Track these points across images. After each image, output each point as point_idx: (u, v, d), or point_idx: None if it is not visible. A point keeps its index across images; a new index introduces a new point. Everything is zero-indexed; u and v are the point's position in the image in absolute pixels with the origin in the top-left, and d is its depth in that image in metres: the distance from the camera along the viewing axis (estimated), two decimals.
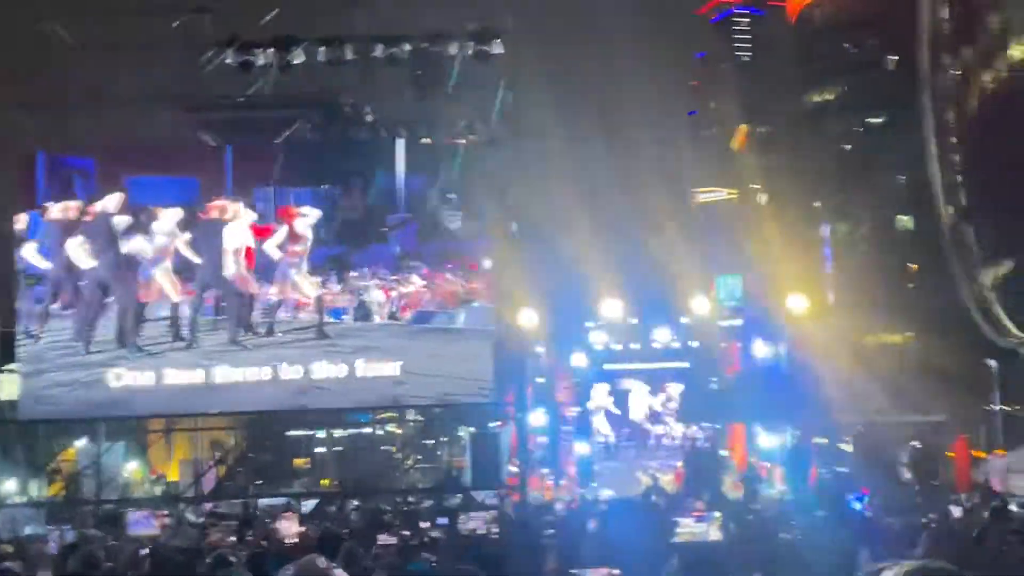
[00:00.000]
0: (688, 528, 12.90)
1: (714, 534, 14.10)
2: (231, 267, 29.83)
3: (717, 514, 12.77)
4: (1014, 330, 64.97)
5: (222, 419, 36.34)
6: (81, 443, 36.88)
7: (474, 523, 16.00)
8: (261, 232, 30.56)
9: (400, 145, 31.58)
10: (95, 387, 30.13)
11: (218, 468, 37.37)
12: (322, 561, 9.60)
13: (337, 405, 33.55)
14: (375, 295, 31.18)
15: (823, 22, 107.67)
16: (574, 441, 41.67)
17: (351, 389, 31.99)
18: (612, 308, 43.35)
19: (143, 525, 20.90)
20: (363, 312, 31.04)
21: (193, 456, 36.40)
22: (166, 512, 23.54)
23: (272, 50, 30.82)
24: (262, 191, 31.50)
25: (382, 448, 43.04)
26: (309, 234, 30.59)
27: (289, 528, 15.52)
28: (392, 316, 31.11)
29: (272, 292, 30.55)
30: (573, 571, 12.20)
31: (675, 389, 41.59)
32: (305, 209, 30.66)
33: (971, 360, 59.00)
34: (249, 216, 30.34)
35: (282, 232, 30.37)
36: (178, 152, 33.33)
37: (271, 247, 30.35)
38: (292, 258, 30.36)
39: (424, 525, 19.44)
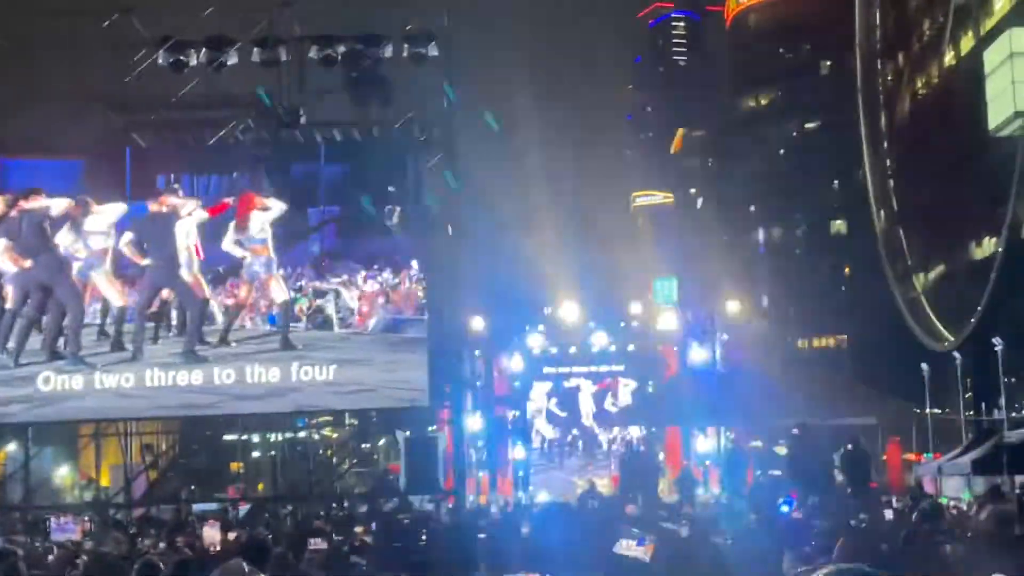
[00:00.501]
0: (624, 550, 12.82)
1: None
2: (185, 267, 28.22)
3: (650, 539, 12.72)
4: (945, 334, 65.72)
5: (154, 423, 35.94)
6: (10, 448, 36.35)
7: (406, 527, 15.89)
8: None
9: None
10: (22, 389, 29.56)
11: (149, 473, 36.89)
12: (245, 565, 9.46)
13: (272, 409, 33.23)
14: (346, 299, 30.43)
15: (758, 28, 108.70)
16: (510, 445, 41.69)
17: (286, 393, 31.78)
18: (569, 311, 43.48)
19: (66, 530, 20.52)
20: (320, 319, 30.45)
21: (124, 461, 35.88)
22: (87, 517, 23.08)
23: (205, 50, 30.51)
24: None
25: (318, 453, 42.73)
26: (268, 230, 29.11)
27: (214, 536, 15.28)
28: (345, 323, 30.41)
29: (240, 294, 29.29)
30: None
31: (626, 388, 41.79)
32: (270, 201, 29.18)
33: (904, 363, 59.66)
34: (200, 215, 28.84)
35: (234, 223, 28.90)
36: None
37: (229, 244, 28.66)
38: (259, 256, 28.71)
39: (358, 530, 19.30)
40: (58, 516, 21.42)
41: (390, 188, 31.12)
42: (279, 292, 28.65)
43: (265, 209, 28.36)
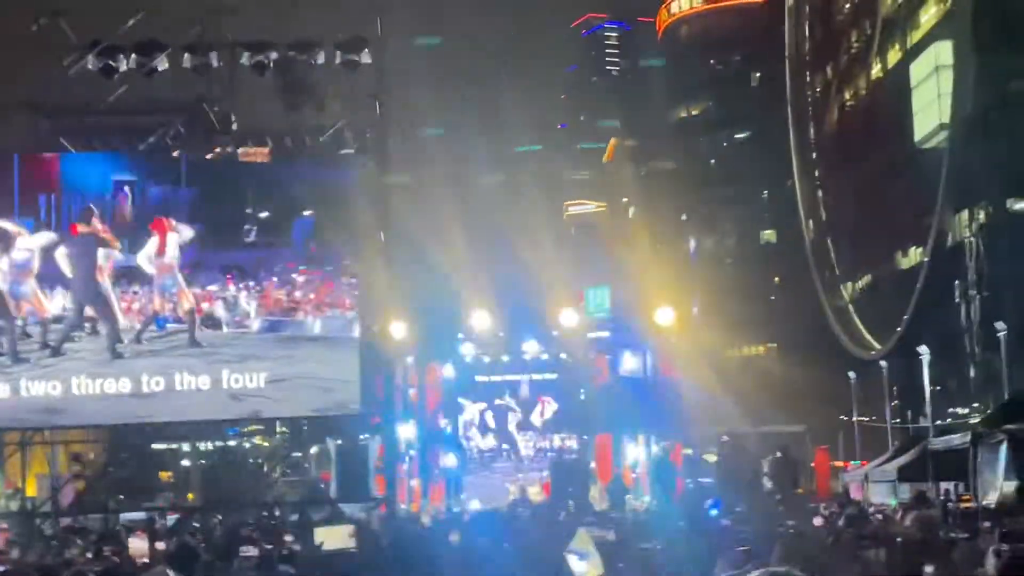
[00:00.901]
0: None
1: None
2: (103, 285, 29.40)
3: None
4: (872, 342, 66.52)
5: (82, 432, 35.50)
6: None
7: (335, 536, 15.82)
8: None
9: None
10: None
11: (77, 482, 36.45)
12: (170, 572, 9.43)
13: (202, 417, 33.02)
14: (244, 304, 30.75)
15: (690, 39, 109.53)
16: (442, 453, 41.64)
17: (216, 401, 31.62)
18: (481, 320, 43.42)
19: None
20: (212, 322, 30.60)
21: (51, 470, 35.41)
22: (4, 527, 22.76)
23: (135, 56, 30.28)
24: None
25: (249, 461, 42.41)
26: (178, 252, 30.05)
27: (141, 547, 15.15)
28: (240, 325, 30.75)
29: (154, 305, 30.05)
30: None
31: (550, 407, 41.94)
32: (182, 227, 30.09)
33: (831, 372, 60.33)
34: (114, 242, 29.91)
35: (152, 243, 29.74)
36: None
37: (143, 260, 29.76)
38: (167, 273, 29.92)
39: (288, 539, 19.21)
40: None
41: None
42: (187, 302, 29.83)
43: (177, 232, 29.56)
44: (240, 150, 32.83)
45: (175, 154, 31.98)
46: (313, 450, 42.36)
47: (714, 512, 22.59)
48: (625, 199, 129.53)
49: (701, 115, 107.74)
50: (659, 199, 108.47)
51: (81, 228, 29.43)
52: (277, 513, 30.55)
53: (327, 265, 31.43)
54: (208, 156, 32.57)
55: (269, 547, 16.63)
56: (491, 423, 43.22)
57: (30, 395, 29.43)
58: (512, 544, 13.05)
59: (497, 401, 43.68)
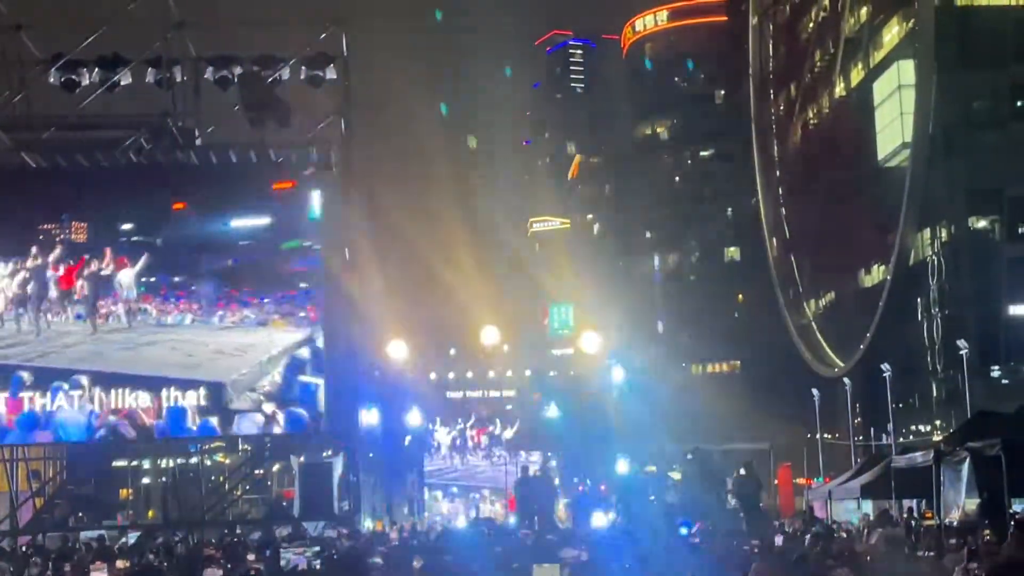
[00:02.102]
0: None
1: None
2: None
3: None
4: (835, 360, 66.76)
5: (40, 448, 35.11)
6: None
7: (296, 554, 15.64)
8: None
9: None
10: None
11: (36, 500, 36.02)
12: None
13: (161, 434, 32.77)
14: None
15: (654, 57, 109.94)
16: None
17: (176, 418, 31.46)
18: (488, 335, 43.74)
19: None
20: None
21: (9, 487, 34.96)
22: None
23: (97, 70, 30.00)
24: None
25: (211, 479, 42.08)
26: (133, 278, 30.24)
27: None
28: None
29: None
30: None
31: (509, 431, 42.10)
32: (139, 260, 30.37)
33: (795, 389, 60.48)
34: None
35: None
36: None
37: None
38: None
39: (250, 558, 19.03)
40: None
41: None
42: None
43: (134, 266, 29.78)
44: None
45: None
46: (275, 467, 42.08)
47: (684, 531, 22.55)
48: (590, 216, 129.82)
49: (665, 133, 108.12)
50: (623, 216, 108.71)
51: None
52: (239, 532, 30.25)
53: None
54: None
55: (229, 566, 16.45)
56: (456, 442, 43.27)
57: None
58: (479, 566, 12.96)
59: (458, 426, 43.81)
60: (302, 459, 33.81)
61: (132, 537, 29.38)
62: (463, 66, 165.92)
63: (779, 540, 20.24)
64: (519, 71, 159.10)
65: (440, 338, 47.27)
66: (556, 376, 45.30)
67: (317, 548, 16.86)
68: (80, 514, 35.09)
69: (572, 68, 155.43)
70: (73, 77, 29.63)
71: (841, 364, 64.31)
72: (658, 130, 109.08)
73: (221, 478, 41.10)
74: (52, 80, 29.74)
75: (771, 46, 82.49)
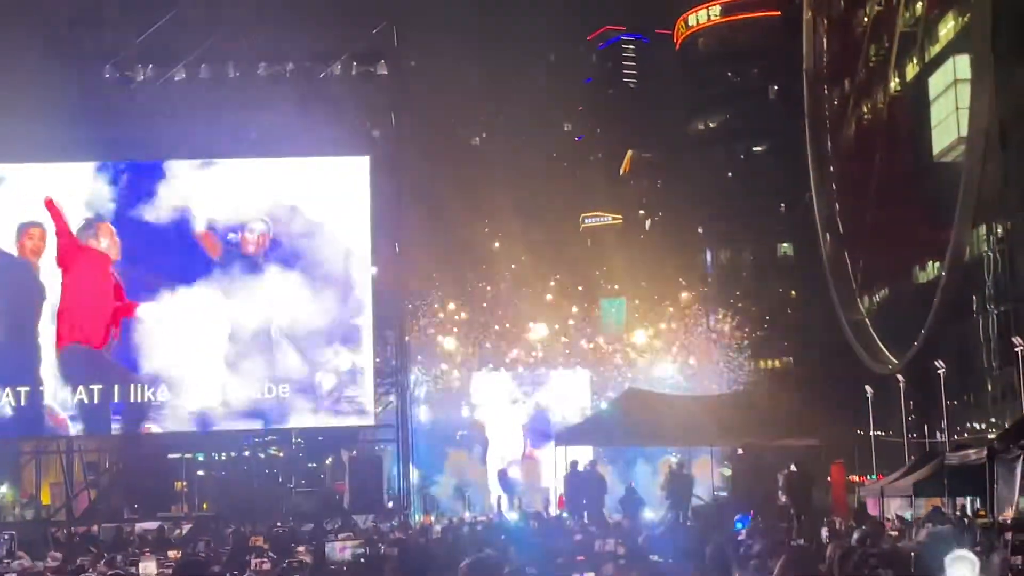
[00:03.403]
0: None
1: None
2: None
3: None
4: (889, 357, 66.25)
5: (96, 440, 35.60)
6: None
7: (346, 547, 15.77)
8: None
9: None
10: None
11: (91, 491, 36.55)
12: None
13: (218, 427, 33.19)
14: None
15: (707, 51, 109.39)
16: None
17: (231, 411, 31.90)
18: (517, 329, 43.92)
19: None
20: None
21: (64, 478, 35.51)
22: (7, 535, 22.67)
23: (152, 66, 30.40)
24: None
25: (264, 471, 42.50)
26: None
27: (150, 569, 15.10)
28: None
29: None
30: None
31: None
32: None
33: (847, 386, 60.07)
34: None
35: None
36: None
37: None
38: None
39: (299, 549, 19.20)
40: None
41: None
42: None
43: None
44: None
45: None
46: (328, 461, 42.40)
47: (740, 526, 22.52)
48: (641, 211, 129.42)
49: (718, 128, 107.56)
50: (675, 212, 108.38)
51: None
52: (291, 522, 30.53)
53: None
54: None
55: (275, 556, 16.61)
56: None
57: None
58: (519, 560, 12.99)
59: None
60: (353, 452, 34.12)
61: (186, 529, 29.69)
62: (515, 61, 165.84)
63: (823, 536, 20.19)
64: (571, 67, 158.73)
65: (489, 332, 47.32)
66: (606, 371, 45.25)
67: (361, 540, 16.95)
68: (135, 505, 35.53)
69: (624, 63, 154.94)
70: (128, 73, 30.05)
71: (895, 361, 63.78)
72: (711, 125, 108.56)
73: (274, 471, 41.50)
74: (107, 76, 30.16)
75: (825, 41, 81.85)
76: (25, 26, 31.30)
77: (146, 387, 31.68)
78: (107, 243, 31.63)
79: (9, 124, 30.33)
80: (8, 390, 31.46)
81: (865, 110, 74.31)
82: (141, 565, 15.42)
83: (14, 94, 30.42)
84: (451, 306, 48.54)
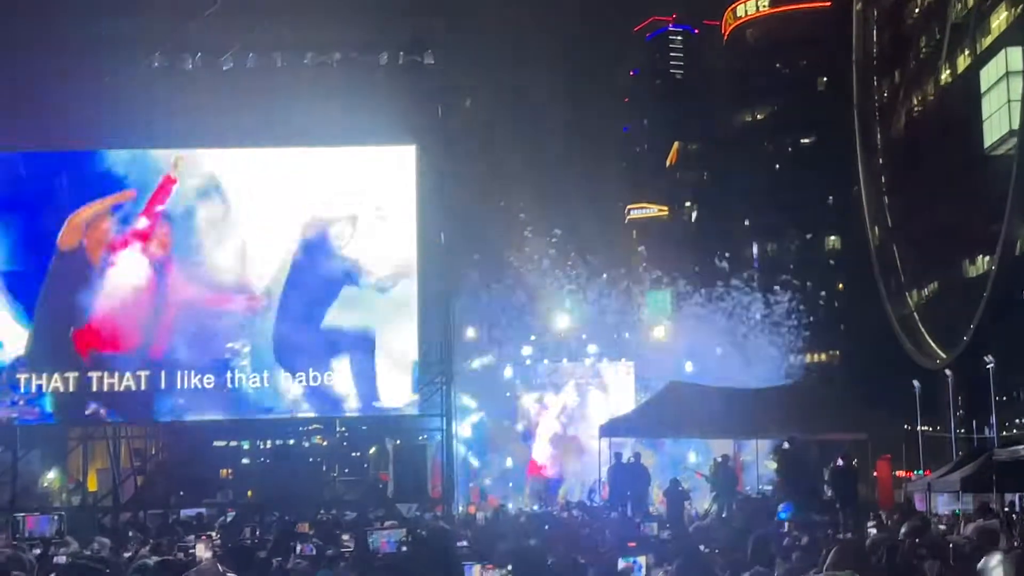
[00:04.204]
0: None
1: None
2: None
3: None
4: (938, 351, 65.75)
5: (142, 428, 35.85)
6: None
7: (390, 537, 15.77)
8: None
9: None
10: None
11: (137, 477, 36.82)
12: (220, 568, 9.45)
13: (265, 415, 33.34)
14: None
15: (755, 42, 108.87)
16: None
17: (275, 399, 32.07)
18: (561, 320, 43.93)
19: (41, 526, 20.40)
20: None
21: (111, 465, 35.80)
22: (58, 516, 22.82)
23: (200, 55, 30.56)
24: None
25: (308, 460, 42.68)
26: None
27: (204, 553, 15.25)
28: None
29: None
30: None
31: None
32: None
33: (895, 380, 59.64)
34: None
35: None
36: None
37: None
38: None
39: (344, 537, 19.24)
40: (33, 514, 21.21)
41: None
42: None
43: None
44: None
45: None
46: (371, 450, 42.52)
47: (784, 516, 22.40)
48: (688, 203, 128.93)
49: (766, 119, 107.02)
50: (722, 203, 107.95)
51: None
52: (334, 512, 30.62)
53: None
54: None
55: (320, 543, 16.66)
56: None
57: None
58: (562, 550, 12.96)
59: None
60: (397, 442, 34.18)
61: (230, 516, 29.81)
62: (562, 52, 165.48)
63: (871, 529, 20.01)
64: (617, 58, 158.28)
65: (534, 321, 47.29)
66: (650, 363, 45.13)
67: (404, 530, 16.93)
68: (180, 492, 35.73)
69: (672, 54, 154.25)
70: (176, 61, 30.19)
71: (943, 355, 63.34)
72: (758, 117, 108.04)
73: (318, 459, 41.67)
74: (156, 65, 30.32)
75: (875, 32, 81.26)
76: (74, 14, 31.52)
77: (193, 373, 31.87)
78: (162, 232, 31.88)
79: (62, 112, 30.62)
80: (57, 375, 31.72)
81: (915, 102, 73.72)
82: (197, 547, 15.56)
83: (61, 82, 30.69)
84: (495, 294, 48.48)
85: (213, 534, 19.23)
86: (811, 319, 63.23)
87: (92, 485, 36.96)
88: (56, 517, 20.29)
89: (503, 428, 44.45)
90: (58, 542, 18.94)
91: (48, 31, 30.56)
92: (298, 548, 15.58)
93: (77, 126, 30.76)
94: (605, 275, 52.03)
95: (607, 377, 44.61)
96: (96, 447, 36.80)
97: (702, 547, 13.83)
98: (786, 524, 20.89)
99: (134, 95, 31.00)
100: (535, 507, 36.86)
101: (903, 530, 13.86)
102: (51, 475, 40.35)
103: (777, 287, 55.22)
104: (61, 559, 16.60)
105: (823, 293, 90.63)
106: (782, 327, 51.05)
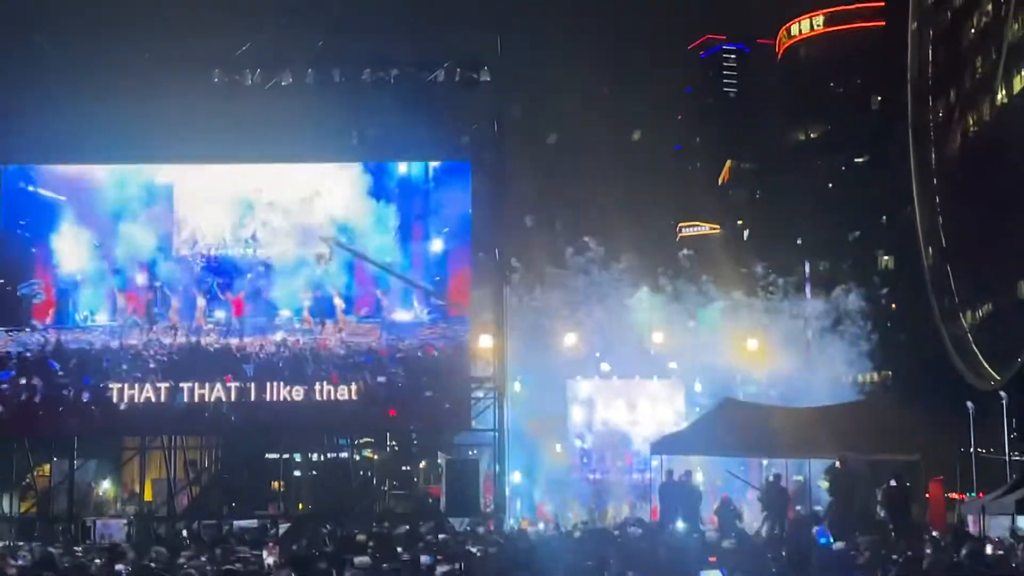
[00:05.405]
0: None
1: None
2: None
3: None
4: (992, 372, 65.10)
5: (197, 439, 36.22)
6: (56, 460, 36.63)
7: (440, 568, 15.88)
8: None
9: None
10: None
11: (192, 488, 37.17)
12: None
13: (316, 428, 33.66)
14: None
15: (809, 61, 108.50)
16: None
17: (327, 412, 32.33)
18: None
19: (110, 530, 20.75)
20: None
21: (167, 475, 36.17)
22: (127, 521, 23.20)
23: (259, 70, 30.91)
24: None
25: (358, 474, 42.93)
26: None
27: (270, 560, 15.48)
28: None
29: None
30: None
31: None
32: None
33: (948, 401, 59.09)
34: None
35: None
36: None
37: None
38: None
39: (399, 549, 19.36)
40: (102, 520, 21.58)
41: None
42: None
43: None
44: None
45: None
46: (422, 464, 42.68)
47: (823, 541, 22.29)
48: (740, 221, 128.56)
49: (819, 138, 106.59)
50: (774, 222, 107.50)
51: None
52: (386, 524, 30.80)
53: None
54: None
55: (378, 556, 16.77)
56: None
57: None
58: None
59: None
60: (450, 456, 34.31)
61: (283, 528, 30.04)
62: (615, 70, 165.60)
63: (927, 551, 19.89)
64: (670, 75, 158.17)
65: (585, 339, 47.40)
66: (702, 381, 45.17)
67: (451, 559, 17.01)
68: (232, 504, 36.02)
69: (725, 72, 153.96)
70: (236, 78, 30.55)
71: (998, 377, 62.69)
72: (812, 135, 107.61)
73: (368, 473, 41.86)
74: (216, 80, 30.70)
75: (930, 51, 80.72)
76: (136, 31, 32.02)
77: (249, 384, 32.24)
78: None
79: (117, 127, 31.11)
80: (116, 385, 32.20)
81: (971, 122, 73.12)
82: (264, 554, 15.78)
83: (126, 98, 31.17)
84: (549, 313, 48.61)
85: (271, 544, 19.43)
86: (864, 339, 62.93)
87: (148, 495, 37.33)
88: (125, 523, 20.59)
89: (553, 445, 44.57)
90: (115, 552, 19.19)
91: (111, 49, 31.09)
92: (356, 560, 15.70)
93: (140, 141, 31.32)
94: (657, 290, 52.08)
95: (658, 395, 44.62)
96: (151, 458, 37.19)
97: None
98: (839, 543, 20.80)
99: (194, 110, 31.42)
100: (585, 520, 36.86)
101: (963, 552, 13.81)
102: (106, 484, 40.76)
103: (829, 306, 54.97)
104: (120, 567, 16.83)
105: (876, 313, 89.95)
106: (835, 346, 50.81)
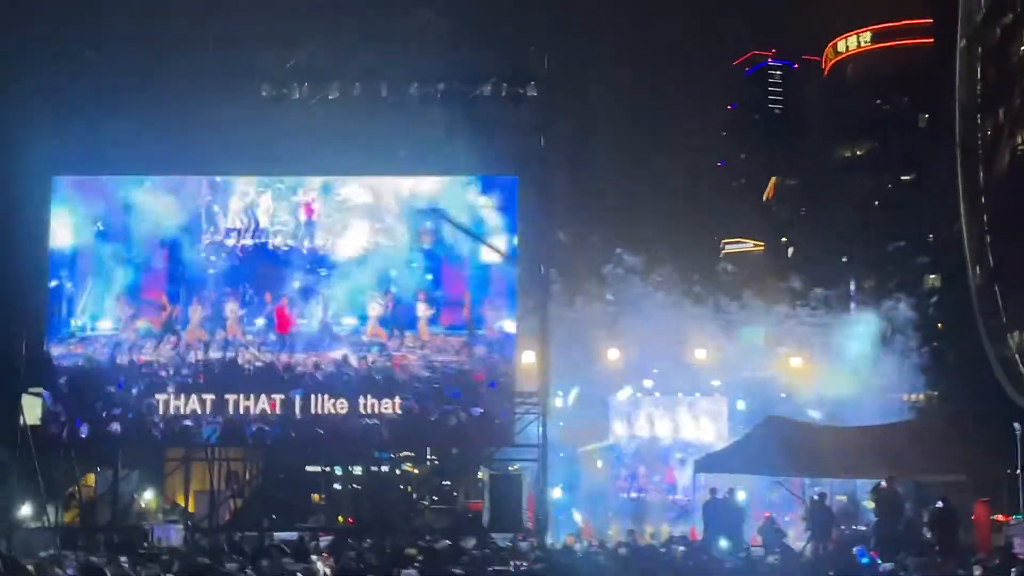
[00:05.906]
0: None
1: None
2: None
3: None
4: None
5: (239, 451, 36.36)
6: (100, 471, 36.87)
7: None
8: None
9: None
10: None
11: (234, 500, 37.31)
12: None
13: (356, 442, 33.69)
14: None
15: (856, 78, 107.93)
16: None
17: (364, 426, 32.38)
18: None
19: (168, 534, 20.95)
20: None
21: (210, 487, 36.33)
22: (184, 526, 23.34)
23: (307, 84, 31.09)
24: None
25: (398, 488, 42.98)
26: None
27: (324, 569, 15.54)
28: None
29: None
30: None
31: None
32: None
33: (995, 422, 58.49)
34: None
35: None
36: None
37: None
38: None
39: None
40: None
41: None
42: None
43: None
44: None
45: None
46: (462, 479, 42.67)
47: (864, 561, 22.16)
48: (784, 239, 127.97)
49: (865, 155, 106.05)
50: (819, 239, 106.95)
51: None
52: (428, 538, 30.77)
53: None
54: None
55: (429, 572, 16.77)
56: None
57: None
58: None
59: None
60: (492, 471, 34.25)
61: (323, 540, 30.08)
62: (660, 85, 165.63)
63: (976, 573, 19.69)
64: (716, 92, 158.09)
65: (627, 356, 47.19)
66: (746, 398, 44.90)
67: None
68: (274, 516, 36.16)
69: (771, 88, 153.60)
70: (284, 91, 30.73)
71: None
72: (858, 153, 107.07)
73: (408, 487, 41.92)
74: (264, 94, 30.88)
75: (979, 69, 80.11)
76: (182, 44, 32.29)
77: (292, 396, 32.34)
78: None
79: (165, 140, 31.38)
80: (155, 398, 32.40)
81: (1020, 141, 72.47)
82: (317, 564, 15.87)
83: (174, 110, 31.44)
84: (591, 327, 48.43)
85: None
86: (911, 358, 62.51)
87: (191, 506, 37.50)
88: (182, 527, 20.79)
89: (595, 462, 44.42)
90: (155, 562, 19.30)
91: (161, 64, 31.38)
92: (403, 573, 15.72)
93: (186, 153, 31.56)
94: (700, 307, 51.81)
95: (700, 412, 44.43)
96: (194, 469, 37.35)
97: None
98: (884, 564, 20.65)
99: (242, 123, 31.64)
100: (625, 539, 36.72)
101: (1013, 573, 13.64)
102: (148, 495, 40.98)
103: (875, 324, 54.57)
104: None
105: (922, 332, 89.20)
106: (881, 365, 50.42)
